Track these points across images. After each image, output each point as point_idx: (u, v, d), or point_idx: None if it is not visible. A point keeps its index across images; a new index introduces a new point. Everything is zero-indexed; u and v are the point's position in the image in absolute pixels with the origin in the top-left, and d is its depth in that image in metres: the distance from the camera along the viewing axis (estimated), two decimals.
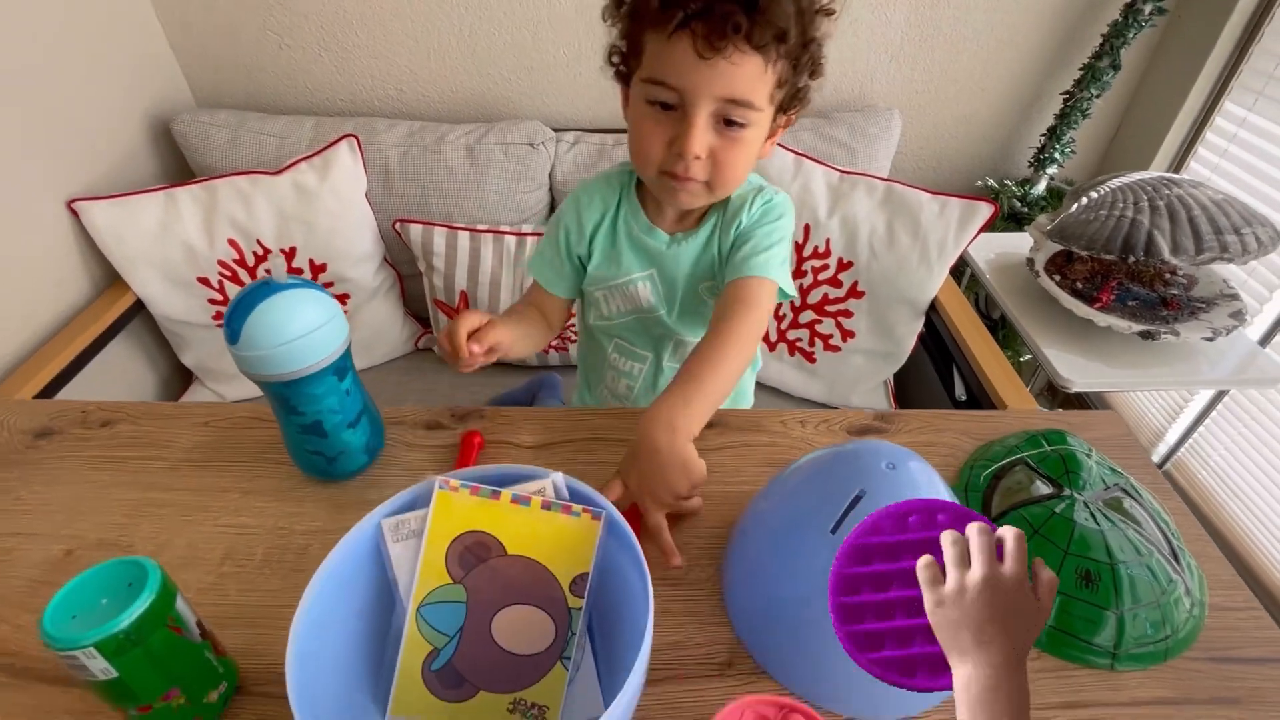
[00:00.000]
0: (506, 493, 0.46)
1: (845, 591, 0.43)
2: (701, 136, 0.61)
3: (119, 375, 1.28)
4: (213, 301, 1.28)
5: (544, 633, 0.46)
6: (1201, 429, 1.42)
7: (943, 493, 0.48)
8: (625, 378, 0.86)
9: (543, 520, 0.46)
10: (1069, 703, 0.50)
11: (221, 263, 1.25)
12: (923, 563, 0.42)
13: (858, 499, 0.46)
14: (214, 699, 0.47)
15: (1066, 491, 0.57)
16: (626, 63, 0.65)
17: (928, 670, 0.40)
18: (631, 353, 0.84)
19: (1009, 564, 0.41)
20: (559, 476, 0.48)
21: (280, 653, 0.52)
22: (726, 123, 0.61)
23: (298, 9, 1.36)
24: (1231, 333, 1.08)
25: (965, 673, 0.39)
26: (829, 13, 0.60)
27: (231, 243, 1.25)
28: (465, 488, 0.45)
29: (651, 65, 0.60)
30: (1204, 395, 1.39)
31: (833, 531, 0.46)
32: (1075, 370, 1.10)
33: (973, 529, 0.42)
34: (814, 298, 1.30)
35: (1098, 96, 1.37)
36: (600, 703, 0.45)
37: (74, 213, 1.17)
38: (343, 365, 0.60)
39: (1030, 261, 1.23)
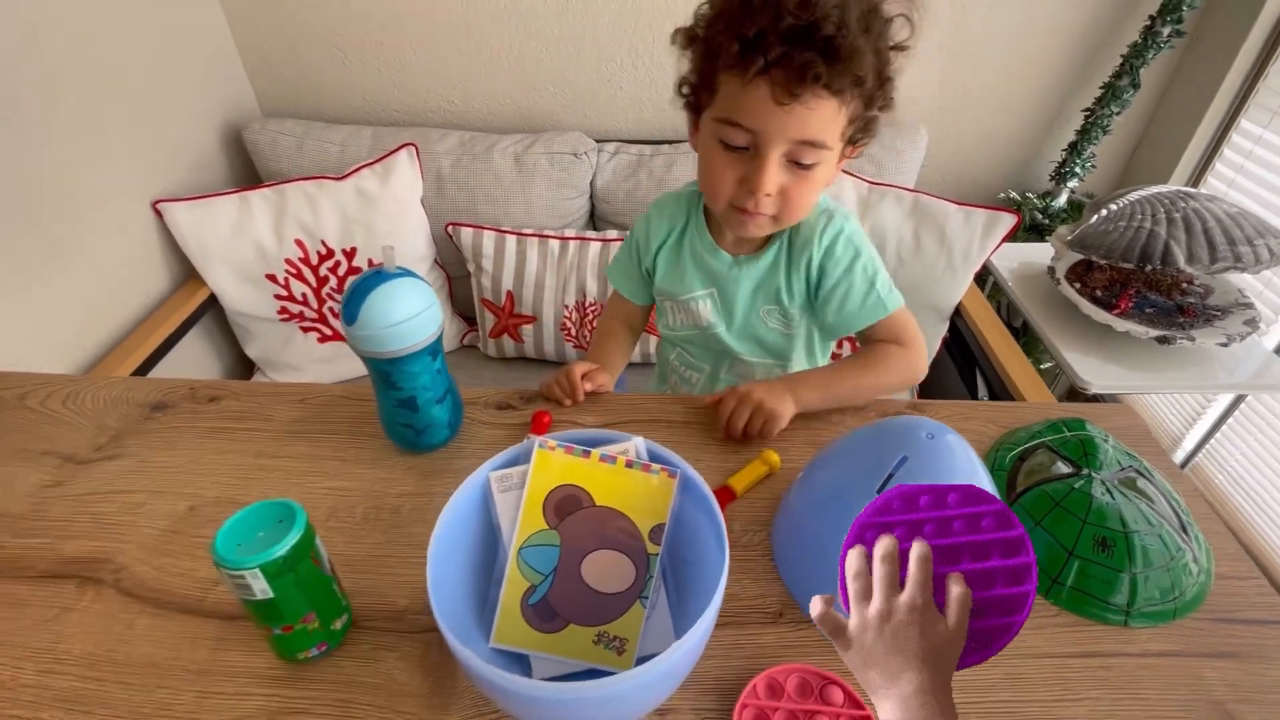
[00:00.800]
0: (595, 452, 0.53)
1: None
2: (774, 176, 0.63)
3: (191, 364, 1.37)
4: (278, 297, 1.37)
5: (625, 574, 0.53)
6: (1219, 435, 1.46)
7: (975, 462, 0.54)
8: (685, 384, 0.93)
9: (626, 476, 0.53)
10: (1086, 652, 0.56)
11: (288, 261, 1.34)
12: (816, 614, 0.42)
13: (901, 463, 0.52)
14: (338, 627, 0.55)
15: (1085, 471, 0.63)
16: (698, 95, 0.67)
17: None
18: (691, 363, 0.91)
19: (907, 590, 0.40)
20: (640, 440, 0.55)
21: (385, 594, 0.60)
22: (797, 162, 0.63)
23: (360, 28, 1.46)
24: (1246, 339, 1.13)
25: (885, 709, 0.38)
26: (903, 49, 0.62)
27: (298, 242, 1.34)
28: (561, 447, 0.53)
29: (726, 106, 0.62)
30: (1221, 402, 1.44)
31: (877, 493, 0.53)
32: (1094, 373, 1.16)
33: (877, 558, 0.41)
34: None
35: (1118, 114, 1.43)
36: (673, 636, 0.52)
37: (157, 213, 1.27)
38: (436, 347, 0.68)
39: (1051, 270, 1.29)
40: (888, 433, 0.55)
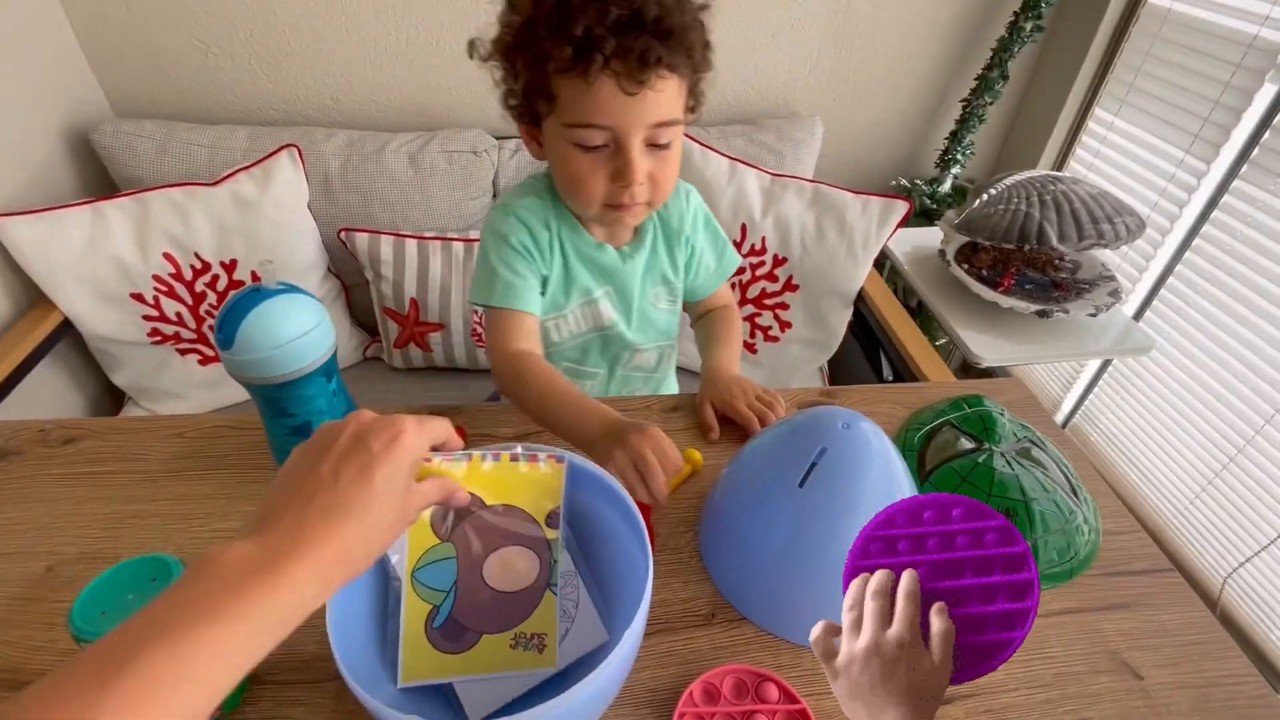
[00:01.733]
0: (477, 454, 0.49)
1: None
2: (642, 165, 0.64)
3: (46, 400, 1.21)
4: (147, 318, 1.24)
5: (530, 567, 0.50)
6: (1091, 397, 1.60)
7: (889, 447, 0.55)
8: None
9: (512, 471, 0.50)
10: None
11: (157, 277, 1.21)
12: (814, 637, 0.44)
13: (821, 454, 0.53)
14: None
15: (986, 445, 0.66)
16: (531, 105, 0.65)
17: None
18: (581, 372, 0.86)
19: (894, 626, 0.40)
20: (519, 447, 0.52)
21: (288, 643, 0.54)
22: (654, 144, 0.64)
23: (224, 16, 1.33)
24: (1111, 309, 1.24)
25: None
26: (706, 8, 0.63)
27: (167, 256, 1.21)
28: (438, 457, 0.46)
29: (574, 110, 0.61)
30: (1092, 367, 1.57)
31: (800, 485, 0.53)
32: (984, 347, 1.23)
33: (869, 592, 0.42)
34: (753, 292, 1.39)
35: (991, 104, 1.53)
36: (604, 631, 0.51)
37: None
38: (330, 367, 0.62)
39: (942, 252, 1.37)
40: (806, 426, 0.56)
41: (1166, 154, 1.36)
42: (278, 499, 0.36)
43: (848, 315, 1.39)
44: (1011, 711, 0.53)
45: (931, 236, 1.50)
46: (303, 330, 0.58)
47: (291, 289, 0.59)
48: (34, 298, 1.19)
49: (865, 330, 1.42)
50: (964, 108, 1.56)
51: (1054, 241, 1.17)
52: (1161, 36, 1.36)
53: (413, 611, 0.48)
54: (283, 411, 0.61)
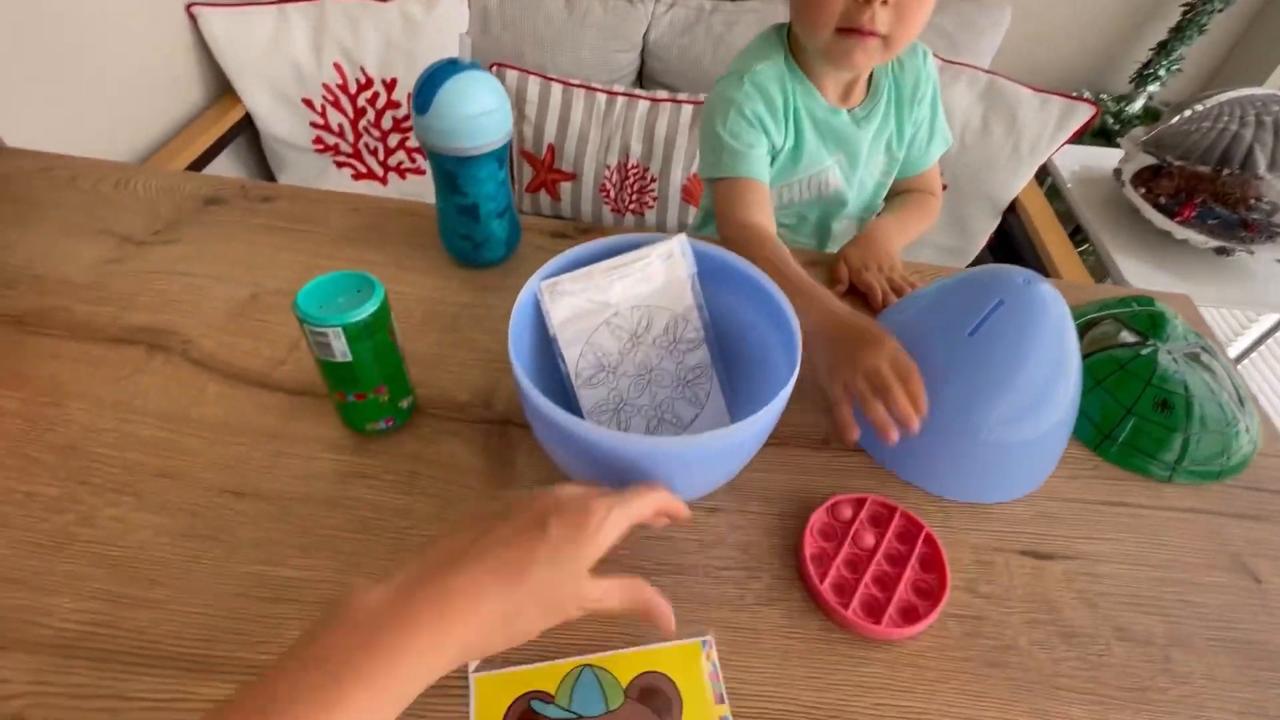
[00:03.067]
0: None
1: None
2: None
3: None
4: (314, 125, 1.33)
5: None
6: (1246, 363, 1.46)
7: (1066, 312, 0.52)
8: None
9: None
10: (1116, 501, 0.58)
11: (326, 86, 1.29)
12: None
13: (997, 307, 0.51)
14: (404, 406, 0.57)
15: (1151, 341, 0.63)
16: None
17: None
18: (790, 240, 0.83)
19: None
20: (681, 239, 0.52)
21: (445, 388, 0.62)
22: None
23: None
24: None
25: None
26: None
27: (337, 67, 1.28)
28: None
29: None
30: (1258, 328, 1.42)
31: (970, 335, 0.52)
32: (1144, 279, 1.14)
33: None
34: None
35: (1220, 10, 1.33)
36: (729, 419, 0.55)
37: (192, 18, 1.20)
38: (503, 154, 0.66)
39: (1118, 172, 1.24)
40: (984, 278, 0.54)
41: None
42: (432, 551, 0.34)
43: (993, 225, 1.31)
44: (1110, 580, 0.53)
45: (1104, 157, 1.36)
46: (488, 109, 0.61)
47: (481, 68, 0.62)
48: (223, 90, 1.29)
49: (1007, 247, 1.33)
50: (1184, 13, 1.36)
51: (1261, 169, 1.04)
52: None
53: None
54: (457, 189, 0.66)
